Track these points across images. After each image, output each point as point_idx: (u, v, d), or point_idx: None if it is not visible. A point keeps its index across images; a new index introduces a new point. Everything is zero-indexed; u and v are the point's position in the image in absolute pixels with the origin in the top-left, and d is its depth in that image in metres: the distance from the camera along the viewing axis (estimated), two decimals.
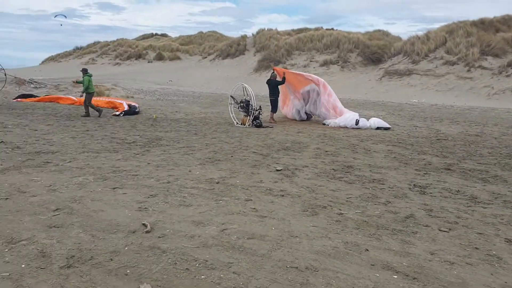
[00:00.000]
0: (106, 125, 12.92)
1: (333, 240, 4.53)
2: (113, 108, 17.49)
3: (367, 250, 4.31)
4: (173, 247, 4.14)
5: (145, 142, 10.14)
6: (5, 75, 17.92)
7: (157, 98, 23.45)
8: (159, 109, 18.16)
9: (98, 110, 15.04)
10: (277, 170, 7.73)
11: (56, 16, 56.06)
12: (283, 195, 6.16)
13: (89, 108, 15.03)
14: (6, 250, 3.93)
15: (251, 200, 5.88)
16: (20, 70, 47.14)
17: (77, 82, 16.10)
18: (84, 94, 14.92)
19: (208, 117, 16.19)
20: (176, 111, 17.66)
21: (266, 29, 50.94)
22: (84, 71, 15.20)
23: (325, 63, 39.18)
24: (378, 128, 14.03)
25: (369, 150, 10.00)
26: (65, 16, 42.10)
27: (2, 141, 9.33)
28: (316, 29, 48.47)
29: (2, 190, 5.77)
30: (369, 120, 14.60)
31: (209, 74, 43.32)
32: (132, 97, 22.79)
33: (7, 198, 5.44)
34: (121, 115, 15.55)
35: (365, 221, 5.16)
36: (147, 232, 4.47)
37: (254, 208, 5.50)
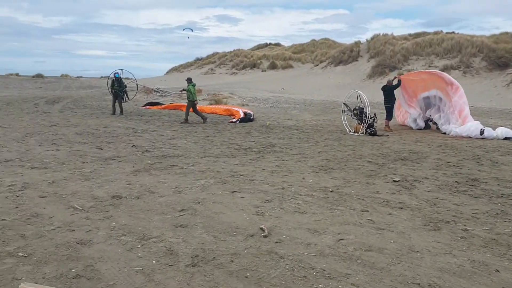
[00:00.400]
0: (224, 132, 13.54)
1: (458, 258, 4.22)
2: (230, 115, 18.30)
3: (498, 271, 3.94)
4: (290, 253, 4.19)
5: (259, 148, 10.42)
6: (137, 84, 19.75)
7: (270, 106, 23.99)
8: (272, 117, 18.56)
9: (186, 119, 15.83)
10: (395, 181, 7.43)
11: (184, 29, 60.80)
12: (401, 208, 5.89)
13: (187, 114, 16.10)
14: (139, 246, 4.30)
15: (368, 211, 5.72)
16: (147, 80, 51.59)
17: (183, 90, 17.21)
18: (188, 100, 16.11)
19: (320, 124, 16.15)
20: (288, 119, 17.90)
21: (381, 34, 49.34)
22: (189, 81, 16.25)
23: (445, 68, 36.70)
24: (506, 138, 12.79)
25: (496, 162, 9.15)
26: (192, 30, 45.32)
27: (133, 145, 10.29)
28: (435, 33, 45.70)
29: (134, 190, 6.34)
30: (496, 129, 13.38)
31: (321, 81, 43.20)
32: (247, 104, 23.62)
33: (138, 198, 5.96)
34: (238, 122, 16.20)
35: (494, 239, 4.73)
36: (265, 236, 4.58)
37: (371, 220, 5.34)
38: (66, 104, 22.15)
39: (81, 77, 70.18)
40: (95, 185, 6.53)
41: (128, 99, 18.98)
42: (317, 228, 4.94)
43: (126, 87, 18.32)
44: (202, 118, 15.97)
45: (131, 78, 18.91)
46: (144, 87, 27.40)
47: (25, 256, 3.94)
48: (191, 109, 16.15)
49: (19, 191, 6.08)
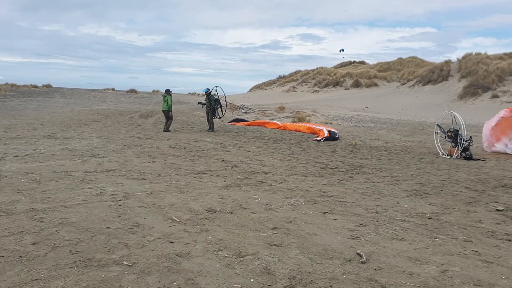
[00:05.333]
0: (309, 150, 13.44)
1: None
2: (313, 133, 18.18)
3: None
4: (391, 282, 3.98)
5: (347, 169, 10.18)
6: (226, 101, 20.32)
7: (354, 125, 23.52)
8: (357, 136, 18.16)
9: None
10: (498, 210, 6.87)
11: (341, 50, 63.04)
12: (510, 240, 5.41)
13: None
14: (236, 262, 4.31)
15: (471, 241, 5.31)
16: (232, 97, 52.98)
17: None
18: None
19: (410, 145, 15.50)
20: (375, 138, 17.40)
21: (474, 53, 46.66)
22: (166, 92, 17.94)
23: None
24: None
25: None
26: (343, 50, 47.33)
27: (223, 160, 10.52)
28: None
29: (227, 205, 6.44)
30: None
31: (407, 101, 41.68)
32: (330, 123, 23.34)
33: (232, 213, 6.03)
34: (322, 140, 16.02)
35: None
36: (363, 262, 4.39)
37: (476, 251, 4.95)
38: (158, 118, 23.31)
39: None
40: (190, 198, 6.72)
41: (220, 116, 19.45)
42: (418, 257, 4.66)
43: (217, 103, 18.69)
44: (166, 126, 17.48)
45: (221, 95, 19.45)
46: (230, 103, 28.17)
47: (129, 265, 4.10)
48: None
49: (120, 200, 6.42)
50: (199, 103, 19.44)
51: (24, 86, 51.77)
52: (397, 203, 7.08)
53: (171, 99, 17.77)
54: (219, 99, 18.81)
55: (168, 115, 17.58)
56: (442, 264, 4.49)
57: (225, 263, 4.27)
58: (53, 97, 40.43)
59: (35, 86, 53.97)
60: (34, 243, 4.53)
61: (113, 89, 64.88)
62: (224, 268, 4.15)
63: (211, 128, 18.17)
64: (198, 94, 67.40)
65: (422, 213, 6.51)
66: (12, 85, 49.08)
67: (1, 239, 4.63)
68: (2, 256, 4.17)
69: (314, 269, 4.19)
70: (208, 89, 18.50)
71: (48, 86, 58.24)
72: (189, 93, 75.23)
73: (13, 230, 4.92)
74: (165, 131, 17.14)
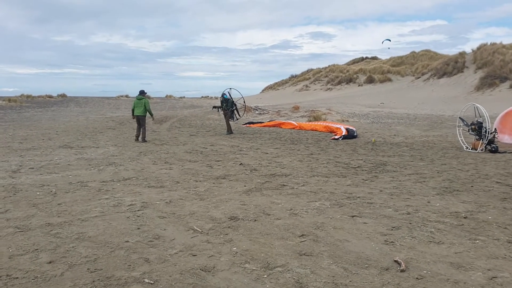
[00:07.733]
0: (328, 149, 13.08)
1: None
2: (330, 132, 17.80)
3: None
4: None
5: (370, 167, 9.82)
6: (244, 103, 20.00)
7: (371, 121, 23.03)
8: (376, 133, 17.72)
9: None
10: None
11: (383, 41, 62.38)
12: None
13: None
14: (265, 276, 3.99)
15: None
16: (244, 98, 52.69)
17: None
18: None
19: (431, 140, 15.03)
20: (394, 135, 16.94)
21: (489, 43, 45.67)
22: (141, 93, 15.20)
23: None
24: None
25: None
26: (389, 40, 46.50)
27: (241, 163, 10.22)
28: None
29: (250, 211, 6.13)
30: None
31: (423, 94, 40.91)
32: (347, 120, 22.89)
33: (255, 220, 5.72)
34: (340, 139, 15.64)
35: None
36: (402, 271, 4.05)
37: None
38: (173, 123, 23.14)
39: (183, 97, 73.33)
40: (211, 205, 6.43)
41: (237, 118, 19.14)
42: (461, 262, 4.30)
43: (235, 105, 18.49)
44: (142, 136, 14.85)
45: (239, 97, 19.20)
46: (243, 105, 27.87)
47: (151, 283, 3.83)
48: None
49: (139, 211, 6.16)
50: (214, 107, 19.13)
51: (39, 96, 52.10)
52: (428, 202, 6.71)
53: (148, 102, 15.07)
54: (234, 101, 18.55)
55: (141, 120, 14.79)
56: (489, 270, 4.13)
57: (253, 277, 3.96)
58: (68, 106, 40.61)
59: (50, 96, 54.27)
60: (50, 262, 4.28)
61: (126, 96, 64.90)
62: (253, 283, 3.85)
63: (229, 131, 17.90)
64: (211, 98, 67.27)
65: (456, 212, 6.14)
66: (28, 96, 49.41)
67: (16, 258, 4.39)
68: (17, 278, 3.92)
69: (350, 281, 3.86)
70: (225, 94, 18.25)
71: (63, 95, 58.50)
72: (202, 97, 75.16)
73: (28, 247, 4.68)
74: (142, 141, 14.69)
